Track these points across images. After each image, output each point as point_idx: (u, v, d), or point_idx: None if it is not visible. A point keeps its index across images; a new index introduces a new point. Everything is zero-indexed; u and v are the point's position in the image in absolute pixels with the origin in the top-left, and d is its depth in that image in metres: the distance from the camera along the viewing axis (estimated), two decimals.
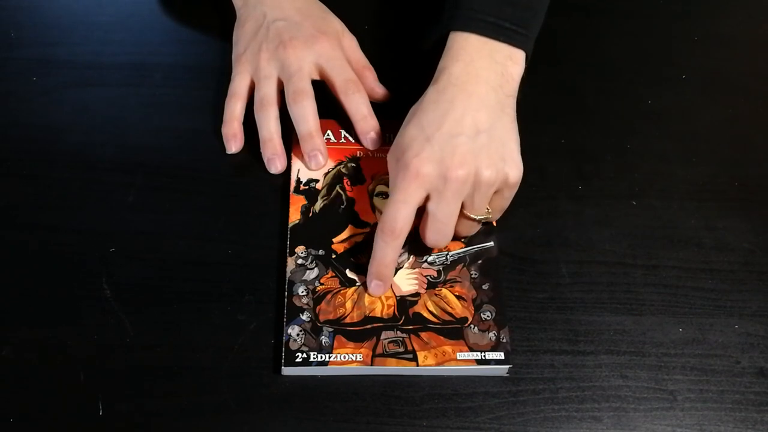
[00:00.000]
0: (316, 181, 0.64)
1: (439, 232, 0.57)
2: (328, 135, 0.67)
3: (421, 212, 0.58)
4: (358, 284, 0.58)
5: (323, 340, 0.55)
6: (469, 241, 0.61)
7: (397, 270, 0.59)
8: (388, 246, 0.56)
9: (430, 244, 0.58)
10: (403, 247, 0.60)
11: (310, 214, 0.62)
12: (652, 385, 0.56)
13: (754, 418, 0.55)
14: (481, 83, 0.58)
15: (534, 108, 0.66)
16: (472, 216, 0.58)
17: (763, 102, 0.74)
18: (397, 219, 0.56)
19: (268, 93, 0.66)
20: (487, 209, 0.59)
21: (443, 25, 0.62)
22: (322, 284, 0.58)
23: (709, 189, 0.67)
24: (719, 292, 0.61)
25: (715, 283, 0.61)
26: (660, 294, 0.60)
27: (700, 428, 0.54)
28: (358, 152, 0.66)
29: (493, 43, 0.60)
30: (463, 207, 0.57)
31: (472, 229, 0.60)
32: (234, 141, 0.66)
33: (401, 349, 0.55)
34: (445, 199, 0.56)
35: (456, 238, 0.60)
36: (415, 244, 0.60)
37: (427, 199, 0.56)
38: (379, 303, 0.57)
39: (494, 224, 0.62)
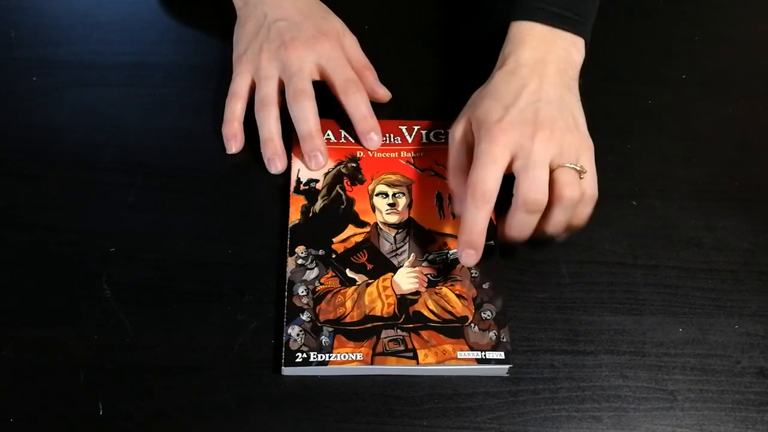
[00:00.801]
0: (316, 181, 0.64)
1: (532, 191, 0.55)
2: (328, 135, 0.67)
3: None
4: (358, 284, 0.58)
5: (323, 340, 0.55)
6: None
7: (397, 269, 0.59)
8: (480, 211, 0.56)
9: (513, 234, 0.57)
10: (404, 244, 0.60)
11: (310, 214, 0.62)
12: (652, 385, 0.56)
13: (754, 418, 0.55)
14: (549, 66, 0.61)
15: None
16: (568, 165, 0.57)
17: (763, 102, 0.74)
18: (486, 180, 0.55)
19: (268, 93, 0.66)
20: (579, 167, 0.57)
21: (503, 16, 0.64)
22: (322, 284, 0.58)
23: (709, 189, 0.67)
24: (719, 292, 0.61)
25: (715, 283, 0.61)
26: (660, 294, 0.60)
27: (700, 428, 0.54)
28: (358, 152, 0.66)
29: (556, 32, 0.63)
30: (552, 165, 0.56)
31: (574, 189, 0.56)
32: (234, 141, 0.66)
33: (401, 348, 0.55)
34: (532, 160, 0.56)
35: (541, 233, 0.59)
36: (415, 243, 0.60)
37: (513, 160, 0.56)
38: (379, 302, 0.57)
39: (494, 223, 0.61)
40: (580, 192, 0.57)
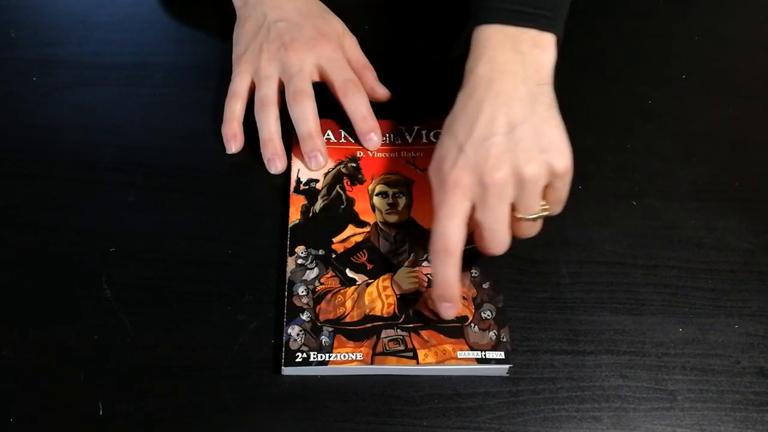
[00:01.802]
0: (316, 181, 0.64)
1: (493, 239, 0.55)
2: (328, 135, 0.67)
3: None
4: (358, 283, 0.58)
5: (323, 340, 0.55)
6: (470, 240, 0.61)
7: (397, 268, 0.59)
8: (447, 265, 0.54)
9: (489, 252, 0.56)
10: (404, 244, 0.60)
11: (310, 214, 0.62)
12: (652, 385, 0.56)
13: (754, 418, 0.55)
14: (507, 78, 0.56)
15: None
16: (525, 217, 0.55)
17: (763, 102, 0.74)
18: (447, 234, 0.53)
19: (268, 93, 0.66)
20: (543, 205, 0.55)
21: (468, 24, 0.60)
22: (322, 284, 0.58)
23: (709, 189, 0.67)
24: (719, 292, 0.61)
25: (715, 283, 0.61)
26: (660, 294, 0.60)
27: (700, 428, 0.54)
28: (358, 152, 0.66)
29: (516, 32, 0.57)
30: (514, 209, 0.54)
31: (531, 229, 0.57)
32: (234, 141, 0.66)
33: (401, 348, 0.55)
34: (490, 206, 0.53)
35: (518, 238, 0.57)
36: (415, 243, 0.60)
37: (473, 209, 0.54)
38: (379, 302, 0.57)
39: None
40: (540, 225, 0.57)
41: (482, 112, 0.55)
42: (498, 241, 0.55)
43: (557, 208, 0.57)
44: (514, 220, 0.55)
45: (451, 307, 0.55)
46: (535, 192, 0.54)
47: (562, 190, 0.56)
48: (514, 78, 0.56)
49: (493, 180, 0.53)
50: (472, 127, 0.55)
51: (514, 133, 0.54)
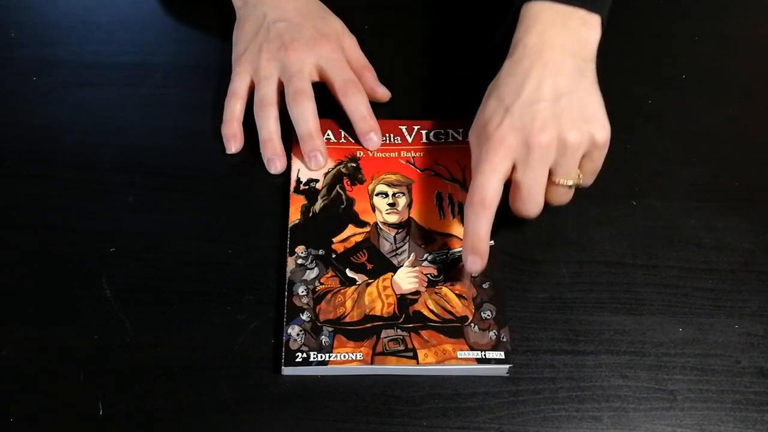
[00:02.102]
0: (316, 181, 0.64)
1: (529, 201, 0.57)
2: (328, 135, 0.67)
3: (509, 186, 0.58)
4: (358, 283, 0.58)
5: (323, 340, 0.55)
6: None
7: (397, 268, 0.59)
8: (480, 218, 0.56)
9: (521, 214, 0.58)
10: (404, 244, 0.60)
11: (310, 214, 0.62)
12: (652, 385, 0.56)
13: (754, 418, 0.55)
14: (555, 50, 0.58)
15: None
16: (561, 182, 0.57)
17: (763, 102, 0.74)
18: (486, 189, 0.55)
19: (268, 93, 0.66)
20: (578, 174, 0.58)
21: (514, 5, 0.62)
22: (322, 284, 0.58)
23: (709, 189, 0.67)
24: (719, 292, 0.61)
25: (715, 283, 0.61)
26: (660, 294, 0.60)
27: (700, 428, 0.54)
28: (358, 152, 0.66)
29: (566, 10, 0.60)
30: (551, 174, 0.57)
31: (564, 196, 0.59)
32: (234, 141, 0.66)
33: (401, 348, 0.55)
34: (531, 167, 0.56)
35: (549, 207, 0.60)
36: (415, 243, 0.60)
37: (513, 169, 0.56)
38: (379, 302, 0.57)
39: (495, 223, 0.61)
40: (571, 194, 0.59)
41: (530, 79, 0.57)
42: (534, 202, 0.57)
43: (590, 179, 0.60)
44: (550, 185, 0.58)
45: (478, 260, 0.57)
46: (575, 159, 0.57)
47: (598, 161, 0.58)
48: (562, 51, 0.59)
49: (538, 141, 0.55)
50: (519, 92, 0.57)
51: (559, 101, 0.56)
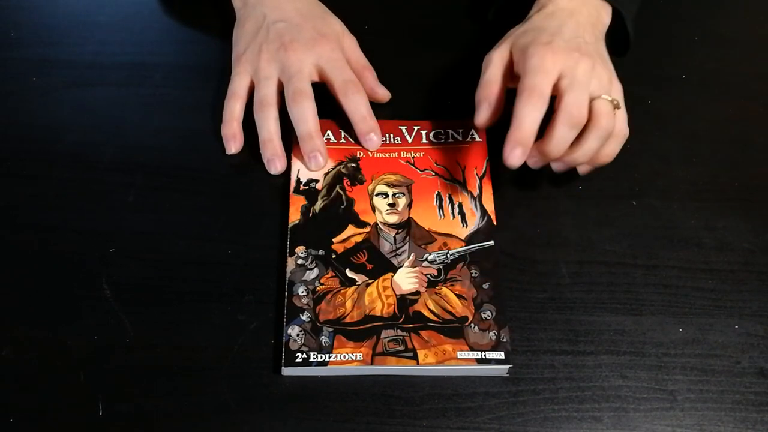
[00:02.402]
0: (316, 181, 0.64)
1: (571, 117, 0.58)
2: (328, 135, 0.67)
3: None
4: (358, 284, 0.58)
5: (323, 340, 0.55)
6: (470, 240, 0.61)
7: (397, 269, 0.59)
8: (535, 110, 0.58)
9: (552, 143, 0.58)
10: (404, 244, 0.60)
11: (310, 214, 0.62)
12: (652, 385, 0.56)
13: (754, 418, 0.55)
14: (584, 16, 0.65)
15: None
16: (604, 96, 0.60)
17: (763, 102, 0.74)
18: (541, 84, 0.58)
19: (267, 94, 0.66)
20: (614, 99, 0.61)
21: None
22: (322, 284, 0.58)
23: (709, 189, 0.67)
24: (719, 292, 0.61)
25: (715, 283, 0.61)
26: (660, 294, 0.60)
27: (700, 428, 0.54)
28: (358, 152, 0.66)
29: None
30: (591, 99, 0.59)
31: (606, 118, 0.59)
32: (233, 141, 0.66)
33: (401, 348, 0.55)
34: (579, 74, 0.59)
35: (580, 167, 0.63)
36: (416, 243, 0.60)
37: (559, 78, 0.59)
38: (379, 302, 0.57)
39: (494, 224, 0.62)
40: (614, 124, 0.60)
41: (568, 24, 0.63)
42: (578, 116, 0.58)
43: (622, 103, 0.63)
44: (592, 102, 0.59)
45: (520, 153, 0.58)
46: (608, 91, 0.61)
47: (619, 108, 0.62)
48: (587, 20, 0.65)
49: (586, 62, 0.60)
50: (560, 29, 0.63)
51: (592, 46, 0.63)
